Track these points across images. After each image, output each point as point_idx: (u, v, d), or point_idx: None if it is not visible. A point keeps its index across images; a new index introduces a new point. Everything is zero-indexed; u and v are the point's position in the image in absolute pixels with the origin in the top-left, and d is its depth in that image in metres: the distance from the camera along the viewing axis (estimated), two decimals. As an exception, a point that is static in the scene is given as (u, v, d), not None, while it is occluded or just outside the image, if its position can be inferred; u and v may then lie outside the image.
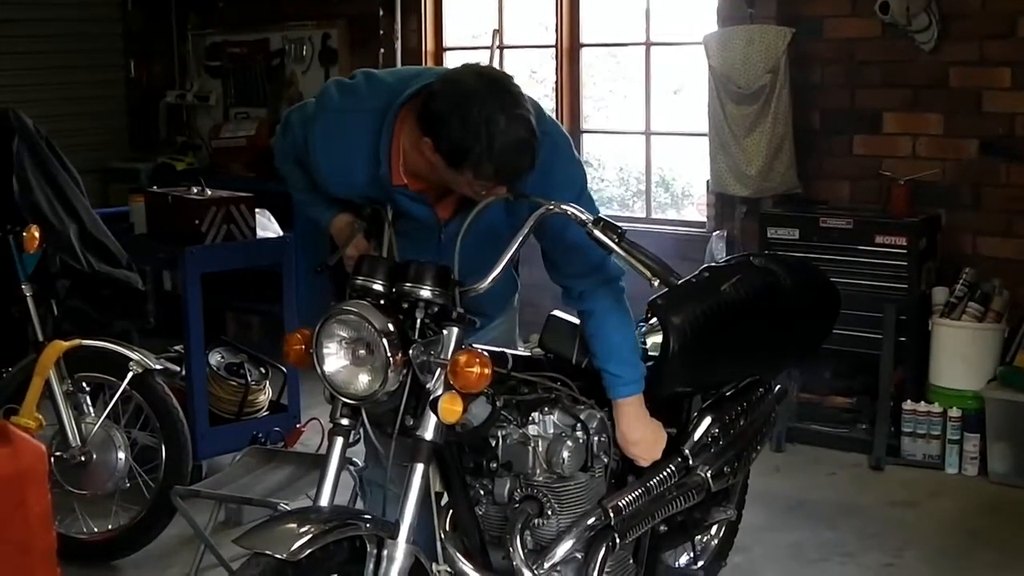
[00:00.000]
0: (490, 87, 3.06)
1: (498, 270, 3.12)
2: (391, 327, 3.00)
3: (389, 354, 2.97)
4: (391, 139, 3.25)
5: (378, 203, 3.38)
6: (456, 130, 3.02)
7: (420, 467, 3.02)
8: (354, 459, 3.92)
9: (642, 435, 3.48)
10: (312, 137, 3.40)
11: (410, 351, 3.01)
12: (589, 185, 3.45)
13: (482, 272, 3.12)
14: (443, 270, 3.08)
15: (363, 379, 3.03)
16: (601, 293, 3.42)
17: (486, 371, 2.96)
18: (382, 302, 3.06)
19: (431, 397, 3.00)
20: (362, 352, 3.03)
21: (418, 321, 3.06)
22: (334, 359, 3.06)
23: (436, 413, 2.97)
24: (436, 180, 3.24)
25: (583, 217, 3.09)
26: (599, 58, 8.18)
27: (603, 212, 3.24)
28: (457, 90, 3.06)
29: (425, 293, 3.05)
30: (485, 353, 3.02)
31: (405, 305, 3.07)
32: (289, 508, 4.42)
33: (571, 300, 3.47)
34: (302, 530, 2.83)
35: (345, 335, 3.05)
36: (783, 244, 6.45)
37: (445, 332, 3.06)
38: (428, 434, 3.02)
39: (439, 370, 3.01)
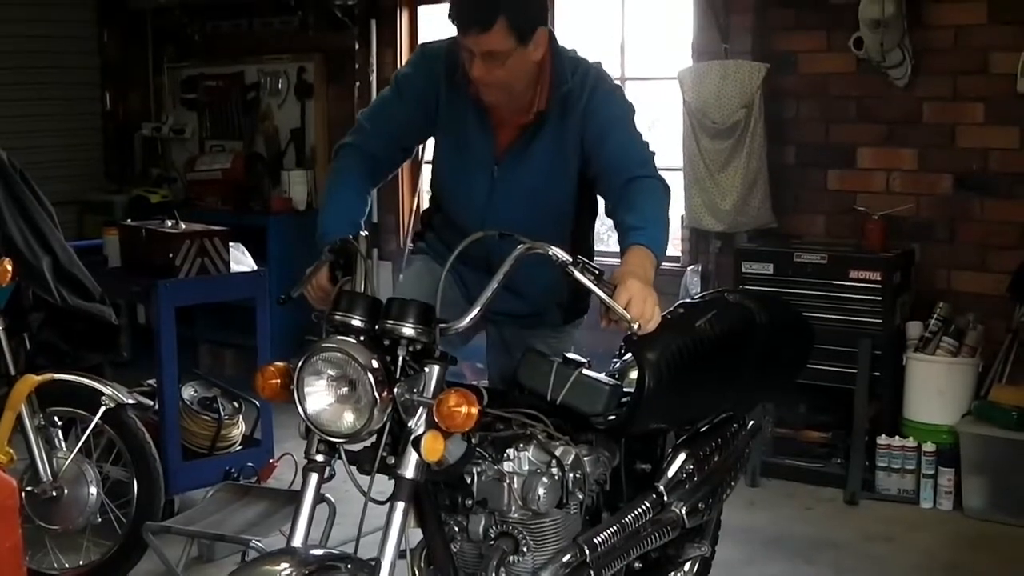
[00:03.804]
0: None
1: (476, 309, 3.11)
2: (376, 364, 2.98)
3: (375, 392, 2.96)
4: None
5: (353, 236, 3.40)
6: None
7: (401, 506, 2.99)
8: (327, 496, 3.90)
9: (639, 288, 3.22)
10: (416, 57, 3.86)
11: (395, 389, 3.00)
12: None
13: (548, 205, 3.41)
14: (425, 308, 3.07)
15: (347, 417, 3.01)
16: (646, 183, 3.57)
17: (473, 411, 2.95)
18: (362, 339, 3.05)
19: (413, 436, 2.97)
20: (344, 390, 3.01)
21: (400, 359, 3.04)
22: (317, 397, 3.04)
23: (418, 452, 2.95)
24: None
25: (563, 258, 3.12)
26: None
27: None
28: None
29: (408, 331, 3.04)
30: (472, 394, 3.00)
31: (387, 342, 3.06)
32: (263, 544, 4.41)
33: (616, 206, 3.59)
34: (283, 573, 2.81)
35: (329, 372, 3.03)
36: (758, 279, 6.46)
37: (427, 370, 3.04)
38: (409, 473, 2.99)
39: (422, 408, 2.99)
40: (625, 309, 3.18)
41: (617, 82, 3.84)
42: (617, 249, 3.47)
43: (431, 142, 3.96)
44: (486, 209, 3.73)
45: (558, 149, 3.70)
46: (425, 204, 7.89)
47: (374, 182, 3.88)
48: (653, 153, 3.71)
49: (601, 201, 3.77)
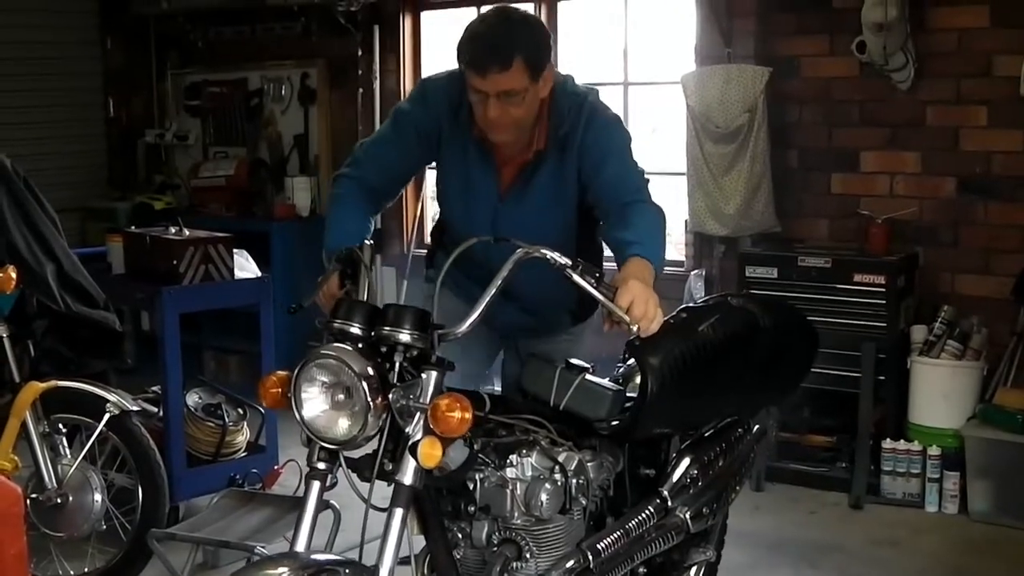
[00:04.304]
0: (497, 7, 3.64)
1: (475, 315, 3.12)
2: (371, 371, 2.98)
3: (369, 399, 2.96)
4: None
5: (358, 246, 3.41)
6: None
7: (399, 512, 2.99)
8: (331, 502, 3.91)
9: (641, 289, 3.23)
10: (419, 92, 3.91)
11: (390, 395, 3.00)
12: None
13: (548, 240, 3.29)
14: (422, 314, 3.08)
15: (343, 424, 3.01)
16: (642, 207, 3.65)
17: (467, 415, 2.94)
18: (360, 346, 3.05)
19: (410, 442, 2.98)
20: (341, 396, 3.02)
21: (397, 365, 3.04)
22: (313, 403, 3.04)
23: (416, 458, 2.96)
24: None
25: (562, 261, 3.13)
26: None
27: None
28: None
29: (404, 337, 3.04)
30: (465, 398, 3.00)
31: (384, 349, 3.06)
32: (267, 551, 4.41)
33: (611, 226, 3.65)
34: (283, 576, 2.81)
35: (325, 379, 3.03)
36: (762, 283, 6.45)
37: (424, 376, 3.04)
38: (407, 479, 2.99)
39: (419, 414, 2.99)
40: (627, 311, 3.18)
41: (615, 113, 3.87)
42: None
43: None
44: (494, 229, 3.75)
45: (557, 184, 3.77)
46: (428, 210, 7.94)
47: (375, 210, 3.93)
48: (647, 181, 3.76)
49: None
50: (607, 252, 3.79)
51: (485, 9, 3.89)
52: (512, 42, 3.51)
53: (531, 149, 3.74)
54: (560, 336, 4.07)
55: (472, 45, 3.55)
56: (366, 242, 3.44)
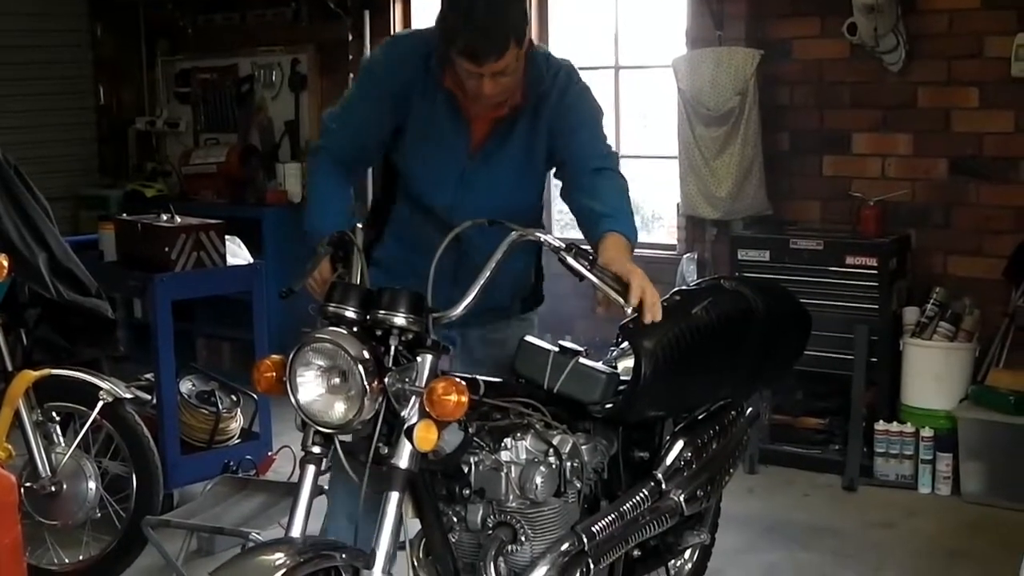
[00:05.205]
0: None
1: (470, 298, 3.13)
2: (366, 354, 2.99)
3: (365, 382, 2.96)
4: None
5: (348, 229, 3.39)
6: (446, 7, 3.42)
7: (395, 495, 3.00)
8: (326, 488, 3.90)
9: (646, 280, 3.29)
10: (380, 52, 3.84)
11: (386, 379, 3.00)
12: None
13: (517, 201, 3.38)
14: (417, 297, 3.08)
15: (339, 408, 3.02)
16: (611, 174, 3.63)
17: (463, 399, 2.95)
18: (355, 329, 3.05)
19: (406, 425, 2.98)
20: (336, 380, 3.02)
21: (392, 348, 3.05)
22: (308, 388, 3.04)
23: (411, 441, 2.96)
24: (462, 83, 3.51)
25: (555, 244, 3.14)
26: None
27: (573, 236, 3.32)
28: None
29: (399, 320, 3.05)
30: (462, 381, 3.01)
31: (378, 332, 3.06)
32: (261, 537, 4.41)
33: (580, 192, 3.63)
34: (277, 563, 2.81)
35: (320, 363, 3.03)
36: (754, 266, 6.46)
37: (419, 359, 3.04)
38: (403, 462, 3.00)
39: (414, 398, 2.99)
40: (640, 301, 3.24)
41: (588, 83, 3.82)
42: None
43: None
44: (452, 204, 3.68)
45: (529, 145, 3.70)
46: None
47: (350, 180, 3.87)
48: (616, 154, 3.76)
49: (556, 186, 3.82)
50: (557, 214, 3.77)
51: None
52: (505, 25, 3.39)
53: (506, 104, 3.63)
54: (511, 323, 3.93)
55: (465, 35, 3.39)
56: (357, 226, 3.42)
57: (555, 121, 3.66)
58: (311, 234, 3.60)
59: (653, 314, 3.27)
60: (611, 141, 3.79)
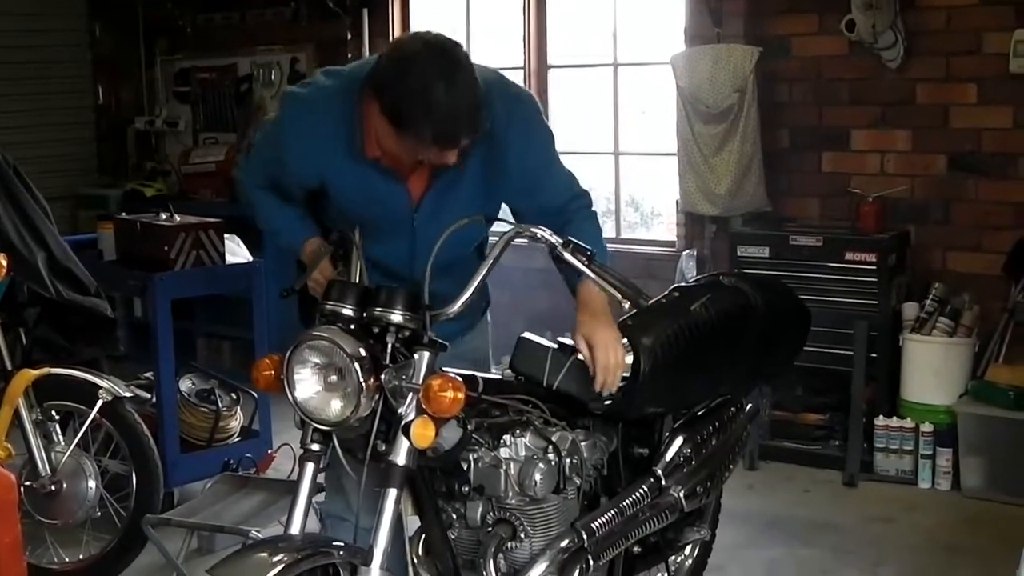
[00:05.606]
0: (433, 53, 3.08)
1: (468, 293, 3.13)
2: (363, 352, 2.99)
3: (361, 380, 2.96)
4: (361, 115, 3.26)
5: (347, 226, 3.38)
6: (396, 94, 3.06)
7: (393, 492, 3.00)
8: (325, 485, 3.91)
9: (605, 333, 3.35)
10: (280, 128, 3.45)
11: (382, 376, 3.00)
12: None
13: (460, 260, 3.18)
14: (413, 294, 3.08)
15: (335, 405, 3.02)
16: (581, 214, 3.53)
17: (459, 395, 2.95)
18: (352, 327, 3.06)
19: (403, 422, 2.98)
20: (333, 378, 3.02)
21: (389, 346, 3.05)
22: (305, 385, 3.04)
23: (409, 438, 2.96)
24: (398, 151, 3.23)
25: (552, 240, 3.12)
26: (567, 79, 8.20)
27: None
28: (401, 55, 3.11)
29: (396, 318, 3.05)
30: (458, 377, 3.01)
31: (376, 330, 3.06)
32: (261, 535, 4.41)
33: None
34: (275, 559, 2.82)
35: (316, 361, 3.03)
36: (753, 262, 6.46)
37: (416, 356, 3.04)
38: (400, 459, 3.00)
39: (411, 395, 2.99)
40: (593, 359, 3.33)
41: (527, 92, 3.62)
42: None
43: None
44: (411, 256, 3.45)
45: (481, 179, 3.41)
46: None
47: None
48: (574, 177, 3.60)
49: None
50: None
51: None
52: (470, 102, 3.11)
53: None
54: (465, 333, 3.71)
55: (431, 126, 3.06)
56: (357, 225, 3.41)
57: (510, 174, 3.41)
58: (293, 245, 3.59)
59: (606, 385, 3.36)
60: (568, 166, 3.61)
